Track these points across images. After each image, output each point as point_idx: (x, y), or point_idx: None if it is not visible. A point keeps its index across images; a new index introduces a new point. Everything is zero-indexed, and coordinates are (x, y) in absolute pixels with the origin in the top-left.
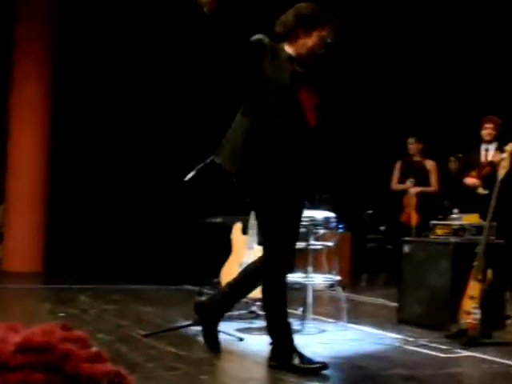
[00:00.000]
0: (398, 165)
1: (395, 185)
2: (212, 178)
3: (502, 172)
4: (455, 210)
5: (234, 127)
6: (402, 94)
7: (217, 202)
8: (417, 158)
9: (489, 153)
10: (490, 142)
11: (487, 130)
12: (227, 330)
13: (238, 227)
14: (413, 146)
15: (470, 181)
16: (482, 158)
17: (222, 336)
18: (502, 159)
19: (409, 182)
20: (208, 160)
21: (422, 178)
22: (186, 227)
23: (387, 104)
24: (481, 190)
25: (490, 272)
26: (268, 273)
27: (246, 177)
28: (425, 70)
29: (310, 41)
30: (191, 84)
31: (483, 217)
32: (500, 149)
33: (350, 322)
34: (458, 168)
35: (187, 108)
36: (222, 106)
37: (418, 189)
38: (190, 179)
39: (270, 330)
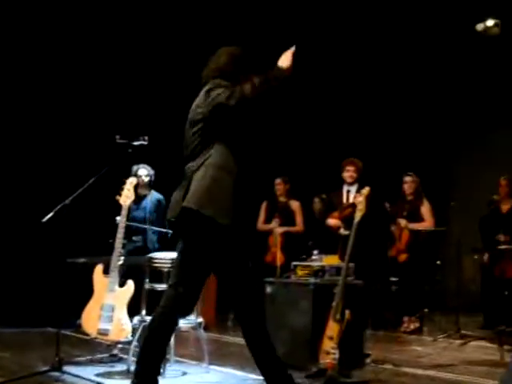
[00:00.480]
0: (263, 205)
1: (261, 225)
2: (73, 219)
3: (358, 215)
4: (315, 252)
5: (219, 184)
6: (269, 135)
7: (80, 243)
8: (282, 199)
9: (350, 194)
10: (351, 183)
11: (349, 173)
12: (87, 375)
13: (99, 268)
14: (279, 186)
15: (332, 222)
16: (344, 200)
17: (82, 382)
18: (359, 202)
19: (274, 222)
20: (67, 201)
21: (287, 218)
22: (47, 268)
23: (255, 145)
24: (342, 231)
25: (347, 312)
26: (172, 311)
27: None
28: (293, 113)
29: None
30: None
31: (343, 257)
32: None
33: (213, 363)
34: (321, 209)
35: (43, 146)
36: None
37: (283, 229)
38: (47, 220)
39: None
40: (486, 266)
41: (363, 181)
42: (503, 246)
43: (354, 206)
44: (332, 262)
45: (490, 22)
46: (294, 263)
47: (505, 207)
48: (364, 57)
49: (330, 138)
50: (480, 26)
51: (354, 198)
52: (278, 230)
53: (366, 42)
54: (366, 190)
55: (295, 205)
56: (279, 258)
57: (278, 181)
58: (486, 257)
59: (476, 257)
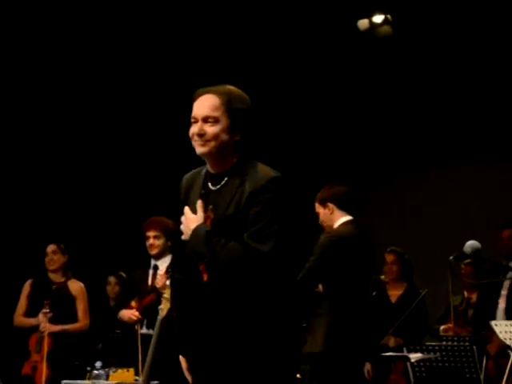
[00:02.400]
0: (26, 286)
1: (19, 318)
2: None
3: (164, 308)
4: (98, 364)
5: None
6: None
7: None
8: (57, 278)
9: (158, 272)
10: (157, 256)
11: (149, 240)
12: None
13: None
14: (54, 257)
15: (126, 315)
16: (150, 281)
17: None
18: (167, 287)
19: (41, 315)
20: None
21: (62, 309)
22: None
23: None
24: (144, 330)
25: None
26: None
27: None
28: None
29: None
30: None
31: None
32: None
33: None
34: (118, 294)
35: None
36: None
37: (56, 327)
38: None
39: None
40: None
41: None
42: (392, 353)
43: (157, 292)
44: (124, 380)
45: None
46: (65, 382)
47: (394, 293)
48: None
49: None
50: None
51: (160, 279)
52: (47, 327)
53: None
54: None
55: (76, 288)
56: (44, 373)
57: (51, 248)
58: (367, 368)
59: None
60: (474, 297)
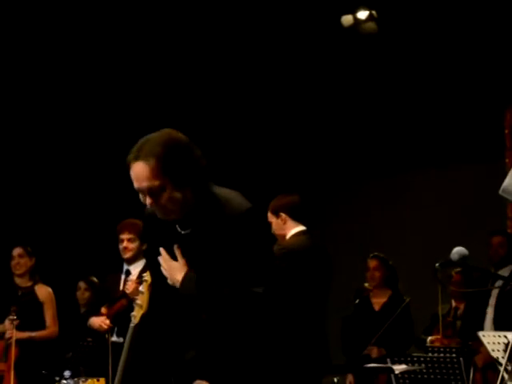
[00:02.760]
0: None
1: None
2: None
3: (136, 315)
4: (67, 373)
5: None
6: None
7: None
8: (23, 282)
9: (130, 277)
10: (129, 260)
11: (123, 243)
12: None
13: None
14: (20, 260)
15: (97, 322)
16: (121, 286)
17: None
18: (140, 293)
19: (7, 322)
20: None
21: (29, 316)
22: None
23: None
24: (115, 338)
25: None
26: None
27: None
28: None
29: None
30: None
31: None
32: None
33: None
34: (89, 299)
35: None
36: None
37: (23, 334)
38: None
39: None
40: None
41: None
42: (376, 365)
43: (127, 297)
44: None
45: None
46: None
47: (378, 301)
48: None
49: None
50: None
51: (130, 285)
52: (14, 335)
53: None
54: (149, 275)
55: (44, 293)
56: (11, 382)
57: (17, 251)
58: (349, 380)
59: (336, 380)
60: (462, 306)
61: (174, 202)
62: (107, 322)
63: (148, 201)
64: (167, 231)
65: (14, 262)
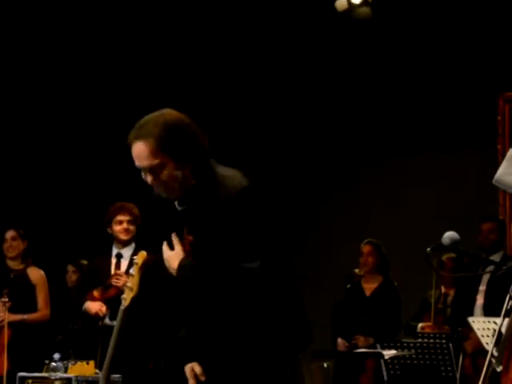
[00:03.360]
0: None
1: None
2: None
3: (127, 297)
4: (56, 356)
5: None
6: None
7: None
8: (15, 265)
9: (123, 261)
10: (125, 242)
11: (122, 225)
12: None
13: None
14: (13, 243)
15: (93, 306)
16: (113, 269)
17: None
18: (130, 276)
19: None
20: None
21: (22, 298)
22: None
23: None
24: (107, 321)
25: None
26: None
27: None
28: None
29: None
30: None
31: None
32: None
33: None
34: (77, 282)
35: None
36: None
37: (15, 317)
38: None
39: None
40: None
41: (141, 239)
42: (365, 350)
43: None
44: (84, 373)
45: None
46: (21, 375)
47: (369, 287)
48: None
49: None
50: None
51: (114, 273)
52: (6, 317)
53: None
54: (139, 257)
55: (36, 275)
56: (4, 364)
57: (10, 234)
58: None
59: (326, 365)
60: (452, 292)
61: (174, 180)
62: (104, 309)
63: (149, 179)
64: (172, 212)
65: (6, 245)
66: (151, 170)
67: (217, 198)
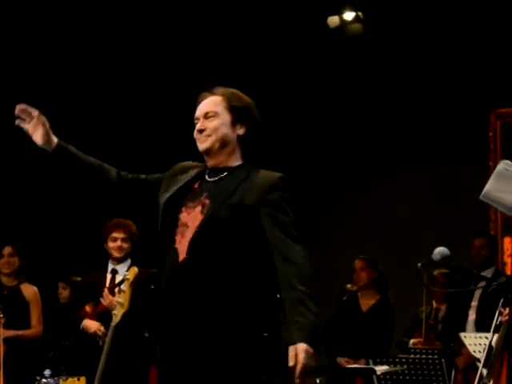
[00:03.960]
0: None
1: None
2: None
3: (118, 314)
4: (47, 372)
5: None
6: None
7: None
8: (9, 281)
9: (117, 277)
10: (120, 260)
11: (116, 243)
12: None
13: None
14: (9, 259)
15: (89, 324)
16: (108, 285)
17: None
18: (122, 292)
19: None
20: None
21: (15, 315)
22: None
23: None
24: (99, 336)
25: None
26: None
27: None
28: None
29: None
30: None
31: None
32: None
33: None
34: (70, 298)
35: None
36: None
37: (10, 333)
38: None
39: None
40: None
41: (135, 255)
42: (357, 366)
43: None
44: None
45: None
46: None
47: (366, 302)
48: None
49: None
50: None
51: (103, 298)
52: (1, 334)
53: None
54: (131, 273)
55: (30, 292)
56: (0, 381)
57: (7, 250)
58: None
59: (318, 381)
60: (444, 308)
61: (218, 132)
62: (102, 328)
63: (199, 124)
64: (187, 178)
65: (3, 261)
66: (207, 114)
67: (258, 179)
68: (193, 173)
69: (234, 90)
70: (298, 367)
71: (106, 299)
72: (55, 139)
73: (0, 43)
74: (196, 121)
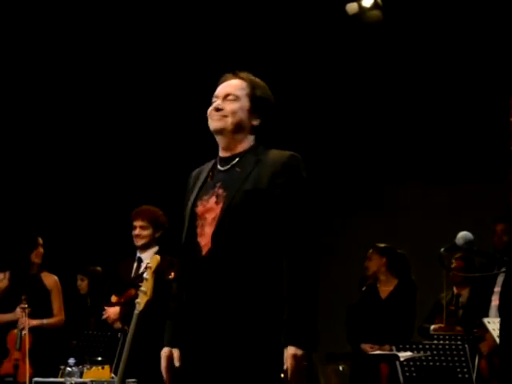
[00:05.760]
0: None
1: None
2: None
3: (141, 302)
4: (71, 360)
5: None
6: None
7: None
8: (33, 270)
9: (142, 265)
10: (143, 247)
11: (136, 230)
12: None
13: None
14: (40, 250)
15: (111, 313)
16: (134, 273)
17: None
18: (144, 280)
19: (19, 310)
20: None
21: (39, 303)
22: None
23: None
24: (117, 324)
25: None
26: None
27: None
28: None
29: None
30: None
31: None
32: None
33: None
34: (88, 288)
35: None
36: None
37: (35, 322)
38: None
39: None
40: None
41: (165, 242)
42: (381, 352)
43: (135, 286)
44: (99, 378)
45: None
46: (37, 380)
47: (385, 289)
48: None
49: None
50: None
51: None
52: (27, 322)
53: None
54: (153, 261)
55: (51, 281)
56: (27, 371)
57: (40, 240)
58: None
59: (341, 368)
60: (465, 293)
61: (235, 116)
62: (119, 325)
63: (217, 103)
64: (203, 177)
65: (39, 251)
66: (227, 96)
67: (269, 161)
68: (207, 169)
69: (259, 80)
70: (289, 373)
71: (106, 314)
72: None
73: (1, 43)
74: (214, 99)
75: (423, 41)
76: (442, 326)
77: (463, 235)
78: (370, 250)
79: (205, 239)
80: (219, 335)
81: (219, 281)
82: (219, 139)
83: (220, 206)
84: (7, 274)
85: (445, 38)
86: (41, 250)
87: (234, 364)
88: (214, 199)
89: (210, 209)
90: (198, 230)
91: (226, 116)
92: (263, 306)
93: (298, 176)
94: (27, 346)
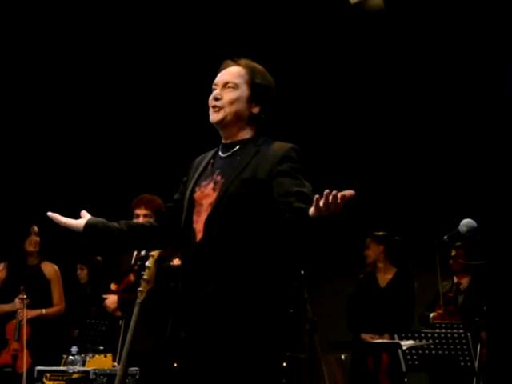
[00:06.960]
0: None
1: None
2: None
3: (143, 290)
4: (73, 349)
5: None
6: None
7: None
8: (32, 260)
9: (143, 252)
10: None
11: (138, 219)
12: None
13: None
14: (34, 238)
15: (111, 301)
16: (132, 261)
17: None
18: (147, 269)
19: (17, 301)
20: None
21: (38, 294)
22: None
23: None
24: (118, 313)
25: None
26: None
27: None
28: None
29: None
30: None
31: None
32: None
33: None
34: (88, 278)
35: None
36: None
37: (34, 312)
38: None
39: None
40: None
41: None
42: (383, 340)
43: (135, 272)
44: (102, 366)
45: None
46: (39, 368)
47: (384, 277)
48: None
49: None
50: None
51: (135, 258)
52: (25, 313)
53: None
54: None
55: (50, 270)
56: (25, 361)
57: (35, 228)
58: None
59: (343, 356)
60: (464, 282)
61: (233, 106)
62: (115, 299)
63: (216, 92)
64: (204, 164)
65: (31, 239)
66: (226, 84)
67: (269, 152)
68: (209, 156)
69: (259, 66)
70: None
71: (112, 303)
72: (83, 221)
73: (2, 43)
74: (214, 87)
75: (425, 31)
76: (441, 312)
77: (466, 222)
78: (368, 239)
79: (199, 225)
80: (209, 324)
81: (209, 268)
82: (219, 129)
83: (216, 192)
84: (5, 264)
85: (446, 33)
86: (35, 238)
87: (225, 353)
88: (211, 186)
89: (207, 195)
90: (195, 217)
91: (222, 107)
92: (253, 296)
93: (297, 167)
94: (25, 337)
